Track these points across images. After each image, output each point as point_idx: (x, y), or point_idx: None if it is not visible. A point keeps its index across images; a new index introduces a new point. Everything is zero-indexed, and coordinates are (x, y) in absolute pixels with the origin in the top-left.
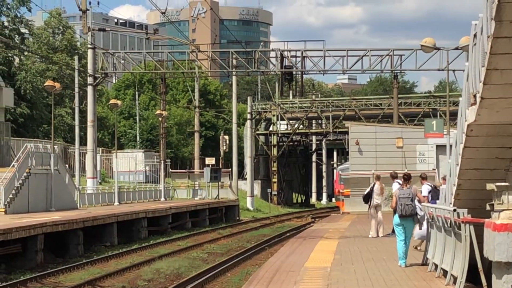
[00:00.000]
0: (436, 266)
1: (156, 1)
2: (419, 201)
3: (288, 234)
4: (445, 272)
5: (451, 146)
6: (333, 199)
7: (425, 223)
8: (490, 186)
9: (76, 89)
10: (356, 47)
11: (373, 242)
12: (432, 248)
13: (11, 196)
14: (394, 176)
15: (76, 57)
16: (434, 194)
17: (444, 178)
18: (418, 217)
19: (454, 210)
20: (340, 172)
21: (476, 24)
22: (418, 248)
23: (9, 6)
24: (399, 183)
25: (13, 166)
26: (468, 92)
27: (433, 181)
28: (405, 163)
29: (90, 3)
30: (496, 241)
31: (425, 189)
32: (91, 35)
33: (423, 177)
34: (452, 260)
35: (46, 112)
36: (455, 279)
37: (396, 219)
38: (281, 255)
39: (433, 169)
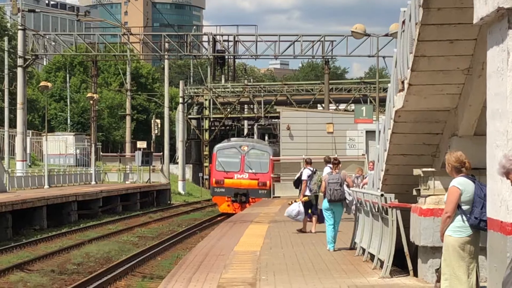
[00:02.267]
0: (364, 250)
1: None
2: (348, 186)
3: (218, 218)
4: (372, 256)
5: (380, 131)
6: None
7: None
8: (416, 171)
9: (6, 71)
10: (288, 32)
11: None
12: (360, 233)
13: None
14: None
15: (6, 38)
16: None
17: (372, 163)
18: (347, 201)
19: (382, 195)
20: (217, 153)
21: (405, 11)
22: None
23: None
24: (330, 168)
25: None
26: (396, 79)
27: (362, 167)
28: (335, 148)
29: None
30: (422, 225)
31: (306, 173)
32: (21, 16)
33: (308, 162)
34: (379, 244)
35: None
36: (382, 263)
37: (325, 203)
38: (211, 239)
39: (363, 155)
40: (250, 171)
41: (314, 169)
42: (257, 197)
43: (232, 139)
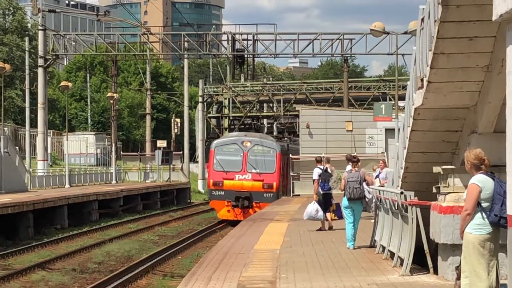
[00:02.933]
0: (384, 248)
1: None
2: (368, 184)
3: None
4: (392, 254)
5: (399, 129)
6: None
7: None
8: (436, 169)
9: (27, 71)
10: (307, 30)
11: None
12: (379, 231)
13: None
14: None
15: (26, 39)
16: (324, 176)
17: (383, 161)
18: (367, 200)
19: (401, 192)
20: (215, 150)
21: (423, 9)
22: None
23: None
24: None
25: None
26: (415, 76)
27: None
28: (355, 146)
29: None
30: (442, 223)
31: (316, 172)
32: (42, 17)
33: (318, 160)
34: (399, 242)
35: None
36: (402, 261)
37: (345, 201)
38: (231, 237)
39: (382, 153)
40: (253, 171)
41: (325, 167)
42: (262, 201)
43: (233, 133)
